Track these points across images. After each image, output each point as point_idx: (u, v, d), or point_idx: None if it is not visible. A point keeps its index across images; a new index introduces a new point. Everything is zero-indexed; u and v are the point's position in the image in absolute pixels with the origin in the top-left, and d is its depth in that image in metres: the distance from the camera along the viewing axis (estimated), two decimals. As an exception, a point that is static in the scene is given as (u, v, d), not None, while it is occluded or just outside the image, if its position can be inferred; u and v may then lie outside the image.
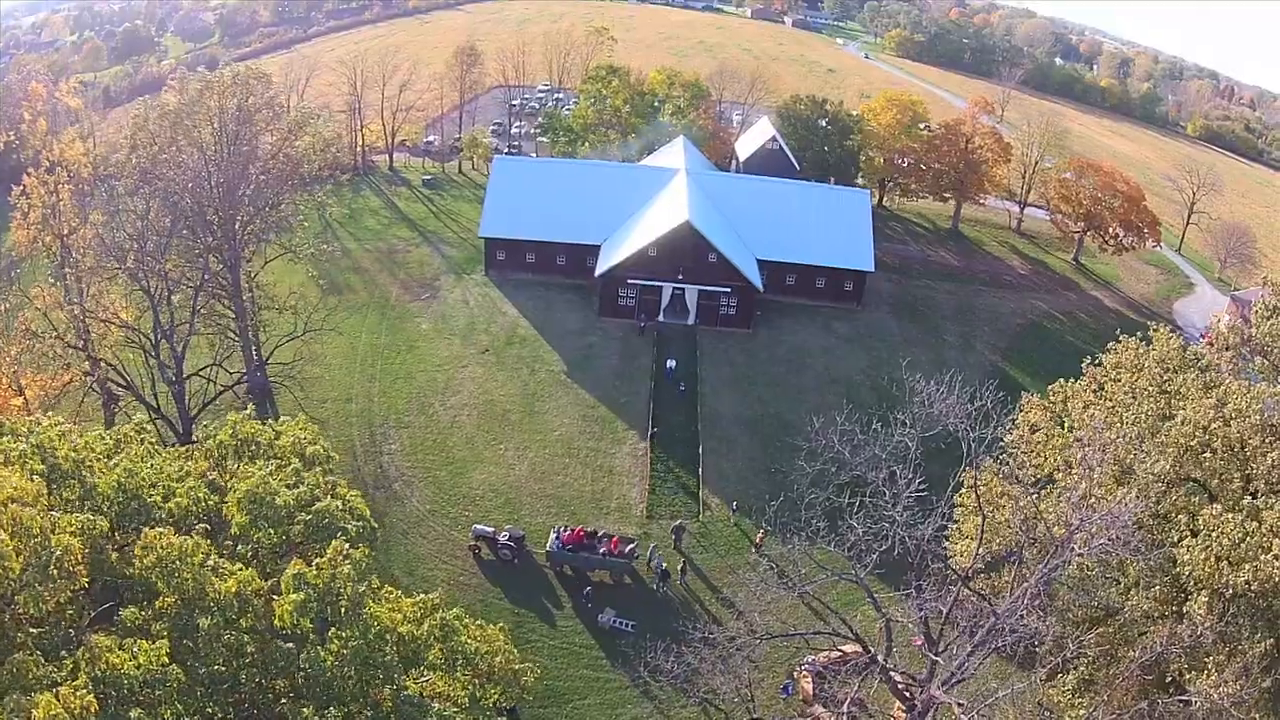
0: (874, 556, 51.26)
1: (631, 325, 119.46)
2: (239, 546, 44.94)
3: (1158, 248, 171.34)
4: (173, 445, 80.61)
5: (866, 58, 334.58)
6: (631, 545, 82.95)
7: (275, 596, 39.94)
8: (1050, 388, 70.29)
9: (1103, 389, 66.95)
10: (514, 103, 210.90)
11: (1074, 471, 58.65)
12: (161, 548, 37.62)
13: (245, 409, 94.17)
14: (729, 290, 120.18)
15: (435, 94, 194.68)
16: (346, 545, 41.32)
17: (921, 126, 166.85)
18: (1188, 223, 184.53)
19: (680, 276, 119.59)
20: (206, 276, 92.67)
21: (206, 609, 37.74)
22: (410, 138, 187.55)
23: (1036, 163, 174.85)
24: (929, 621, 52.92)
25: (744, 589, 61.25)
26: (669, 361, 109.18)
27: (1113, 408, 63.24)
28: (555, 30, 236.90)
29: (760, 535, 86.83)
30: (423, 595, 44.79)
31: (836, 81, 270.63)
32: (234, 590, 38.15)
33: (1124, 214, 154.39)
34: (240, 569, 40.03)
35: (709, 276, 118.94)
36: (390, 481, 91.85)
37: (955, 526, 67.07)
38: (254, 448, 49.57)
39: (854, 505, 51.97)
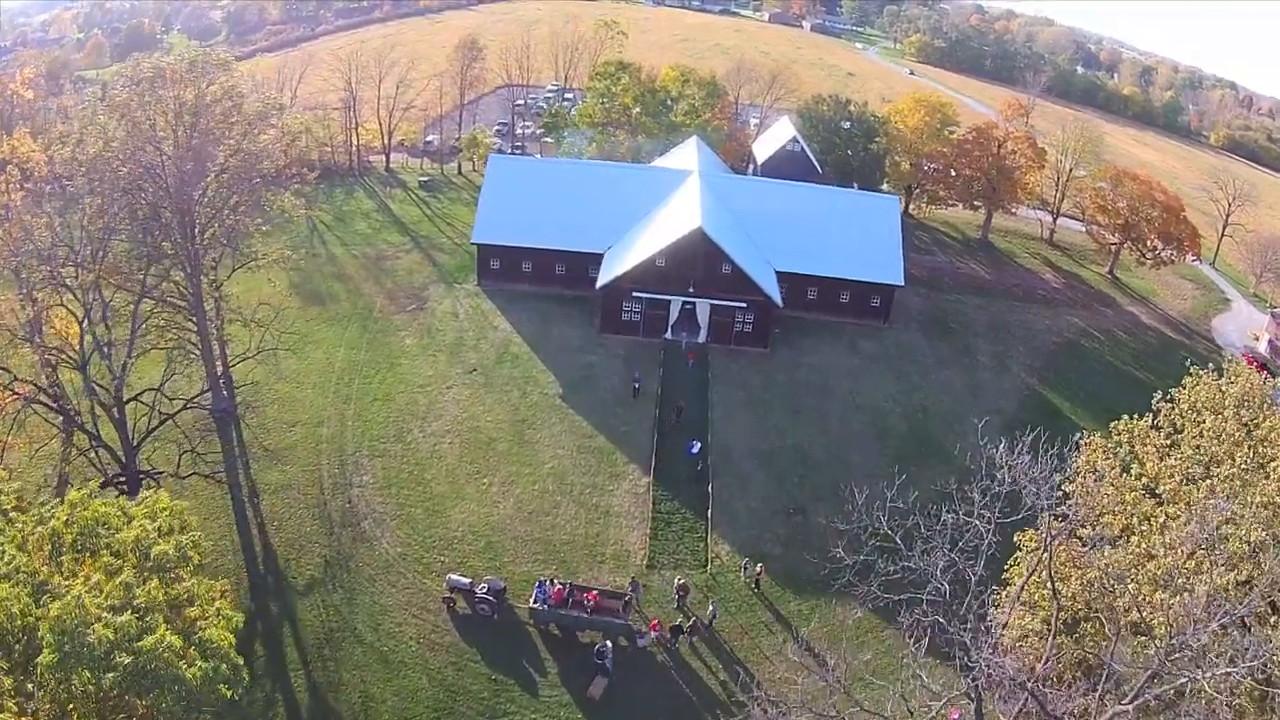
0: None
1: (633, 343, 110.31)
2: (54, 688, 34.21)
3: (1196, 261, 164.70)
4: (104, 485, 72.38)
5: (911, 74, 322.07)
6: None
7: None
8: (1113, 426, 61.26)
9: (1179, 431, 57.34)
10: (519, 102, 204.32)
11: (1155, 535, 49.30)
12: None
13: (204, 435, 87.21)
14: (744, 305, 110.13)
15: (436, 91, 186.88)
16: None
17: (949, 130, 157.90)
18: (1222, 235, 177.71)
19: (691, 290, 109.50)
20: (148, 285, 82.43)
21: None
22: (409, 137, 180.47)
23: (1071, 170, 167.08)
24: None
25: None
26: (693, 444, 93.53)
27: (1198, 460, 53.64)
28: (566, 30, 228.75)
29: (760, 570, 77.83)
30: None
31: (857, 85, 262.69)
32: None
33: (1163, 225, 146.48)
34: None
35: (722, 290, 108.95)
36: (359, 519, 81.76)
37: (1003, 592, 57.17)
38: (95, 539, 38.75)
39: (910, 620, 41.43)
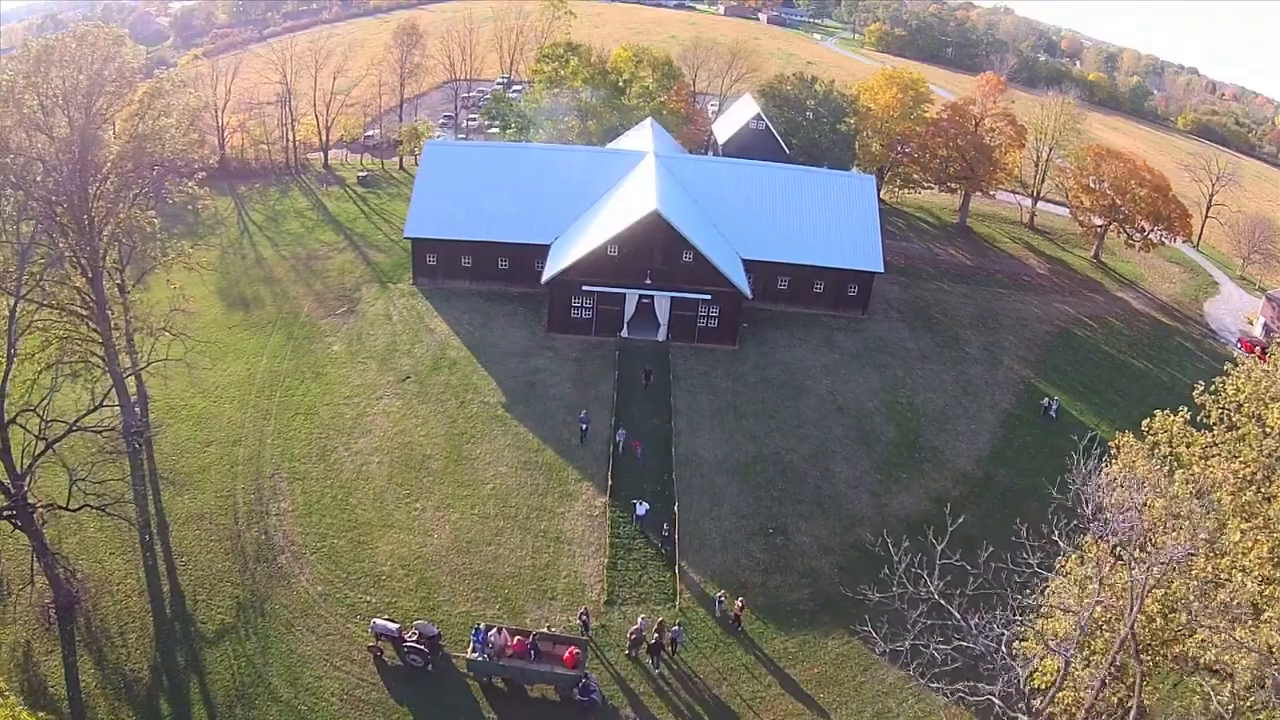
0: None
1: (585, 343, 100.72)
2: None
3: (1185, 243, 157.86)
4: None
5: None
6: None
7: None
8: (1147, 424, 50.78)
9: (1233, 429, 48.18)
10: (465, 95, 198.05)
11: (1225, 558, 40.29)
12: None
13: (113, 457, 76.28)
14: (709, 298, 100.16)
15: (376, 84, 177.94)
16: None
17: (922, 109, 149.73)
18: (1206, 217, 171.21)
19: (648, 281, 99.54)
20: (49, 293, 73.04)
21: None
22: (349, 132, 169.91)
23: (1051, 150, 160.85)
24: None
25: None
26: (640, 506, 76.78)
27: (1263, 463, 45.53)
28: (515, 21, 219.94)
29: (740, 606, 67.28)
30: None
31: (817, 73, 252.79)
32: None
33: (1151, 205, 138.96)
34: None
35: (684, 281, 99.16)
36: (276, 553, 70.95)
37: (1036, 624, 46.94)
38: None
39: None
